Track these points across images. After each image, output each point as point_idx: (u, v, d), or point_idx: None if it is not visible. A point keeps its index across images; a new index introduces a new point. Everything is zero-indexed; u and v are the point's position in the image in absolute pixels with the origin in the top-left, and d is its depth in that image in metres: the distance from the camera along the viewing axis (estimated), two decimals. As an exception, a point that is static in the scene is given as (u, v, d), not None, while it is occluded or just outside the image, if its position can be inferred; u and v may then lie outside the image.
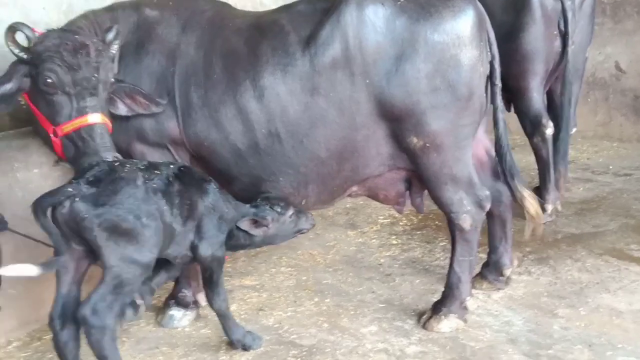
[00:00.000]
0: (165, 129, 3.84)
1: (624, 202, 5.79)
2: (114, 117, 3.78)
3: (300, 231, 3.90)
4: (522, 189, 4.00)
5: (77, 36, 3.55)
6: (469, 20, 3.61)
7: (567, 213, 5.60)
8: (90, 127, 3.49)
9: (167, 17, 3.95)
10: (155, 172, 3.38)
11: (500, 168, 4.04)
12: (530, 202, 3.99)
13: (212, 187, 3.61)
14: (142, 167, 3.37)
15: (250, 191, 3.90)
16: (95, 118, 3.50)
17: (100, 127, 3.52)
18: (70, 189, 3.12)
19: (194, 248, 3.57)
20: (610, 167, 6.85)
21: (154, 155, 3.86)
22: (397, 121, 3.66)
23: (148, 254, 3.25)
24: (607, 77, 7.80)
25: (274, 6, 6.17)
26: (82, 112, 3.49)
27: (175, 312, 4.22)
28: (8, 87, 3.48)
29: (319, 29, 3.61)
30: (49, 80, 3.44)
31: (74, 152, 3.54)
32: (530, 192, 4.04)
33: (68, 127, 3.49)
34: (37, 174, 4.15)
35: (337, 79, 3.60)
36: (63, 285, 3.29)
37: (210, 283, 3.69)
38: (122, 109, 3.75)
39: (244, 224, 3.64)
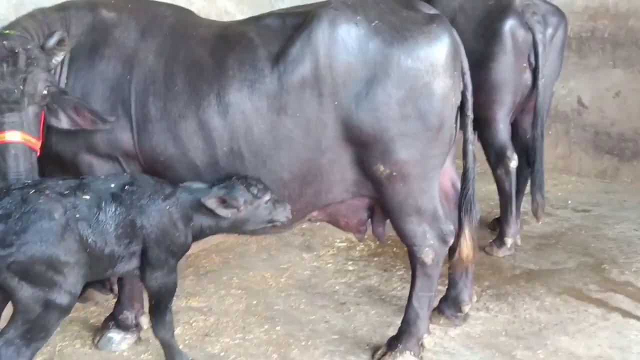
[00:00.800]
0: (118, 140, 3.56)
1: (582, 239, 5.77)
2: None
3: (273, 222, 3.53)
4: (467, 228, 3.86)
5: (5, 42, 3.21)
6: (444, 48, 3.47)
7: (526, 248, 5.55)
8: (4, 147, 3.15)
9: (126, 20, 3.68)
10: (84, 196, 3.06)
11: (459, 200, 3.92)
12: (468, 244, 3.86)
13: (165, 208, 3.28)
14: (66, 192, 3.04)
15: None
16: (11, 136, 3.15)
17: (16, 147, 3.16)
18: None
19: (142, 276, 3.32)
20: (569, 201, 6.86)
21: (103, 168, 3.60)
22: (364, 147, 3.50)
23: (67, 297, 2.96)
24: (569, 111, 7.87)
25: (239, 16, 6.02)
26: None
27: (114, 335, 3.95)
28: None
29: (289, 45, 3.42)
30: None
31: None
32: (471, 235, 3.89)
33: None
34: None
35: (305, 98, 3.41)
36: None
37: (157, 310, 3.43)
38: (64, 123, 3.42)
39: (211, 202, 3.29)
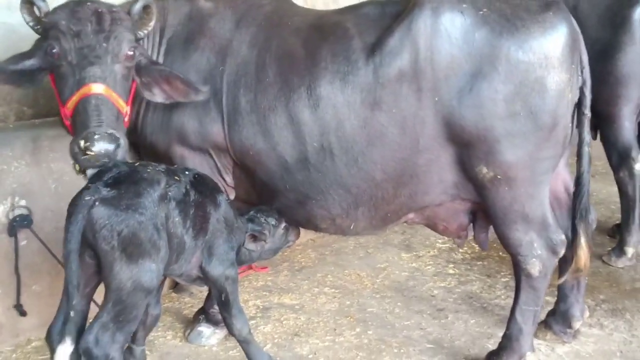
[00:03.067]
0: (209, 132, 3.52)
1: None
2: (155, 116, 3.50)
3: (287, 244, 3.74)
4: (583, 236, 3.54)
5: (89, 3, 3.21)
6: (561, 39, 3.21)
7: (649, 259, 5.09)
8: (86, 99, 3.06)
9: (222, 9, 3.64)
10: (175, 178, 3.09)
11: (573, 205, 3.60)
12: (584, 252, 3.54)
13: (224, 198, 3.35)
14: (163, 170, 3.09)
15: (294, 208, 3.58)
16: (97, 88, 3.07)
17: (98, 98, 3.06)
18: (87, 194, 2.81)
19: (203, 267, 3.29)
20: None
21: (195, 160, 3.57)
22: (466, 147, 3.29)
23: (155, 276, 2.94)
24: None
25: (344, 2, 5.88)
26: (81, 83, 3.08)
27: (204, 329, 3.93)
28: (29, 63, 3.20)
29: (387, 35, 3.25)
30: (53, 50, 3.11)
31: None
32: (588, 243, 3.57)
33: (70, 105, 3.10)
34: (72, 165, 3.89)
35: (402, 93, 3.23)
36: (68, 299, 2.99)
37: (227, 305, 3.39)
38: (158, 95, 3.39)
39: (248, 242, 3.49)
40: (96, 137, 2.93)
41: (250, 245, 3.49)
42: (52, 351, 2.93)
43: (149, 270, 2.88)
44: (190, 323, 4.04)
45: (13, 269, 3.72)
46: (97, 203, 2.78)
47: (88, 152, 2.92)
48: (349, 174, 3.38)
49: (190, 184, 3.14)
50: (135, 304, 2.91)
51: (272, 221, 3.57)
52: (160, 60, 3.57)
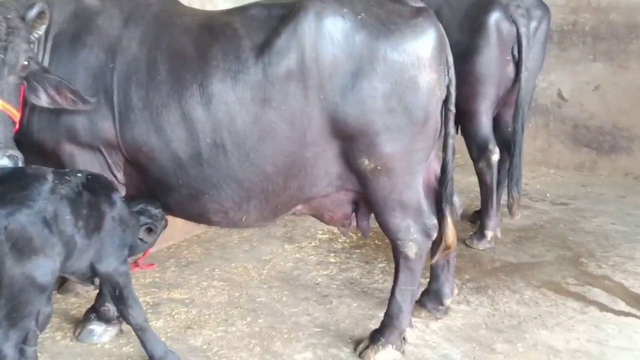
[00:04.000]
0: (100, 129, 3.52)
1: (561, 233, 5.88)
2: (42, 113, 3.45)
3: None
4: (449, 217, 3.89)
5: None
6: (431, 42, 3.48)
7: (506, 241, 5.63)
8: None
9: (109, 8, 3.65)
10: (65, 177, 3.13)
11: (439, 190, 3.94)
12: (452, 231, 3.90)
13: (119, 196, 3.42)
14: (51, 170, 3.14)
15: (187, 203, 3.65)
16: None
17: None
18: None
19: (93, 265, 3.32)
20: (548, 194, 7.00)
21: (85, 157, 3.56)
22: (349, 140, 3.50)
23: (48, 273, 2.96)
24: (549, 104, 8.03)
25: (222, 3, 5.97)
26: None
27: (96, 327, 3.92)
28: None
29: (275, 36, 3.41)
30: None
31: None
32: (454, 223, 3.95)
33: None
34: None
35: (290, 91, 3.40)
36: None
37: (121, 298, 3.43)
38: (44, 100, 3.38)
39: (143, 234, 3.57)
40: None
41: (146, 238, 3.55)
42: None
43: (42, 266, 2.89)
44: (80, 322, 4.00)
45: None
46: None
47: None
48: (241, 168, 3.50)
49: (82, 184, 3.15)
50: (28, 301, 2.90)
51: (158, 213, 3.64)
52: (47, 57, 3.52)
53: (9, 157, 3.05)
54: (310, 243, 5.54)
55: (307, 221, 5.84)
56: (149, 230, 3.57)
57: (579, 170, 7.89)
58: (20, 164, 3.10)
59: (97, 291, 3.99)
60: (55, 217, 2.96)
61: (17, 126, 3.29)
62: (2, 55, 3.13)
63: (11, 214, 2.81)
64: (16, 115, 3.25)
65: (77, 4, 3.65)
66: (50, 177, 3.01)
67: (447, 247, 3.92)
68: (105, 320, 3.93)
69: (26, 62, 3.26)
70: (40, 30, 3.39)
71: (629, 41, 7.43)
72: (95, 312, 3.95)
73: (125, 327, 3.97)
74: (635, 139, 7.58)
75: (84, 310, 4.14)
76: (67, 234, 3.04)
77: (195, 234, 5.49)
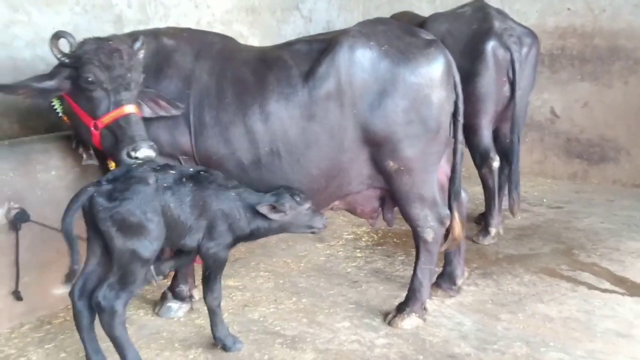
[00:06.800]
0: (179, 143, 4.30)
1: (556, 230, 6.56)
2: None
3: (312, 228, 4.18)
4: (456, 212, 4.57)
5: (110, 42, 4.03)
6: (441, 66, 4.13)
7: (507, 237, 6.30)
8: (127, 117, 3.93)
9: (182, 46, 4.45)
10: (171, 170, 3.83)
11: (449, 188, 4.62)
12: (458, 224, 4.58)
13: (232, 195, 3.96)
14: (158, 167, 3.83)
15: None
16: (130, 109, 3.96)
17: (135, 116, 3.97)
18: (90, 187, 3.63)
19: (200, 245, 3.97)
20: (544, 200, 7.66)
21: (166, 165, 4.36)
22: (377, 147, 4.17)
23: (150, 247, 3.66)
24: (543, 121, 8.58)
25: (251, 38, 6.82)
26: (118, 104, 3.94)
27: (173, 304, 4.71)
28: (49, 84, 3.96)
29: (317, 65, 4.14)
30: (89, 79, 3.90)
31: (112, 141, 3.96)
32: (460, 217, 4.62)
33: (107, 119, 3.94)
34: (54, 175, 4.60)
35: (329, 108, 4.08)
36: (89, 265, 3.76)
37: (208, 281, 4.03)
38: (146, 112, 4.18)
39: (263, 209, 3.94)
40: (144, 146, 3.87)
41: (271, 215, 3.96)
42: (74, 304, 3.73)
43: (142, 245, 3.63)
44: (159, 301, 4.77)
45: (7, 264, 4.33)
46: (95, 194, 3.60)
47: (137, 158, 3.84)
48: (292, 171, 4.23)
49: (189, 177, 3.83)
50: (134, 270, 3.67)
51: (297, 198, 4.04)
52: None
53: (151, 147, 3.91)
54: (338, 242, 6.27)
55: (333, 224, 6.61)
56: (273, 208, 3.98)
57: (572, 179, 8.48)
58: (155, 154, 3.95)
59: (170, 277, 4.77)
60: (154, 208, 3.67)
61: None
62: (129, 74, 3.99)
63: (115, 206, 3.58)
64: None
65: (158, 43, 4.44)
66: (152, 178, 3.70)
67: (454, 238, 4.63)
68: (180, 298, 4.72)
69: (142, 80, 4.10)
70: (141, 58, 4.20)
71: (611, 63, 7.96)
72: (171, 292, 4.74)
73: (195, 305, 4.76)
74: (622, 150, 8.10)
75: (157, 294, 4.92)
76: (170, 219, 3.74)
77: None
